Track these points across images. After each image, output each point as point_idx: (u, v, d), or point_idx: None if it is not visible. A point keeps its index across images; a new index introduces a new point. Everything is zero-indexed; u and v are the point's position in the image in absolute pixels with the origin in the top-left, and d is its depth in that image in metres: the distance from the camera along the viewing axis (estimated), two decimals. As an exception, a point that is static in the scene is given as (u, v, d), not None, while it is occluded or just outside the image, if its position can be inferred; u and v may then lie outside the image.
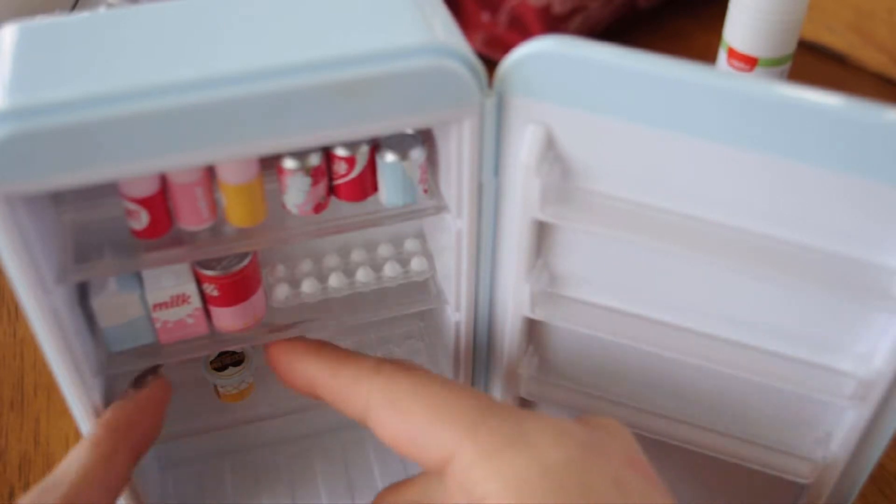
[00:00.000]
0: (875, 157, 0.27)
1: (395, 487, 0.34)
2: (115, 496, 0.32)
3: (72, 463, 0.31)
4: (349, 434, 0.46)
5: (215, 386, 0.38)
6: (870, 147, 0.27)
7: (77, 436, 0.47)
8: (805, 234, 0.29)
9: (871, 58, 0.69)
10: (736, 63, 0.49)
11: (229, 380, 0.37)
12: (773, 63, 0.49)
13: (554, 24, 0.66)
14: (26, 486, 0.45)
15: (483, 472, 0.27)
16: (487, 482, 0.27)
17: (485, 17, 0.68)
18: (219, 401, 0.39)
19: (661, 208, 0.31)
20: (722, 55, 0.50)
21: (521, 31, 0.67)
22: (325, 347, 0.34)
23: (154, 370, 0.35)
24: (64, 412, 0.48)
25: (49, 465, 0.46)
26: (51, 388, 0.49)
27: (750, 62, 0.49)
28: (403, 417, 0.30)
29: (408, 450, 0.30)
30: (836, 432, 0.33)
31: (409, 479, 0.33)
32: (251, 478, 0.44)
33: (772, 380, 0.32)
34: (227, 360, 0.37)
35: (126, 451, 0.33)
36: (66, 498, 0.30)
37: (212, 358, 0.38)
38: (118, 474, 0.32)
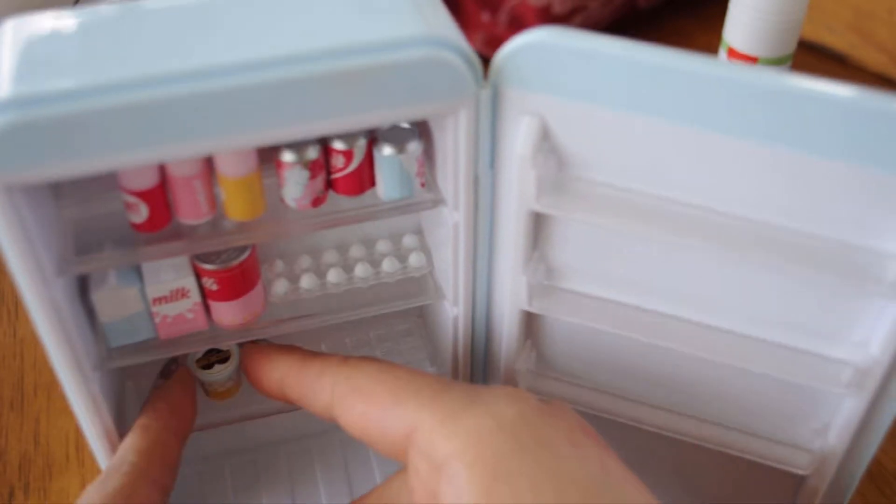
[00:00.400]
0: (871, 145, 0.27)
1: (360, 499, 0.35)
2: (174, 476, 0.34)
3: (127, 449, 0.33)
4: (347, 434, 0.46)
5: (202, 384, 0.38)
6: (867, 135, 0.27)
7: (77, 435, 0.47)
8: (801, 222, 0.29)
9: (871, 58, 0.69)
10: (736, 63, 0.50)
11: (216, 377, 0.38)
12: (773, 63, 0.49)
13: (554, 23, 0.67)
14: (26, 487, 0.45)
15: (443, 434, 0.28)
16: (447, 443, 0.28)
17: (485, 16, 0.68)
18: (207, 399, 0.39)
19: (657, 198, 0.31)
20: (722, 55, 0.50)
21: (521, 31, 0.67)
22: (293, 349, 0.35)
23: (174, 360, 0.37)
24: (64, 412, 0.48)
25: (49, 465, 0.46)
26: (51, 388, 0.49)
27: (750, 62, 0.49)
28: (367, 400, 0.31)
29: (373, 433, 0.30)
30: (834, 422, 0.33)
31: (374, 488, 0.34)
32: (251, 478, 0.44)
33: (768, 369, 0.32)
34: (214, 359, 0.38)
35: (174, 433, 0.34)
36: (129, 477, 0.31)
37: (198, 356, 0.38)
38: (172, 454, 0.34)
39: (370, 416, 0.30)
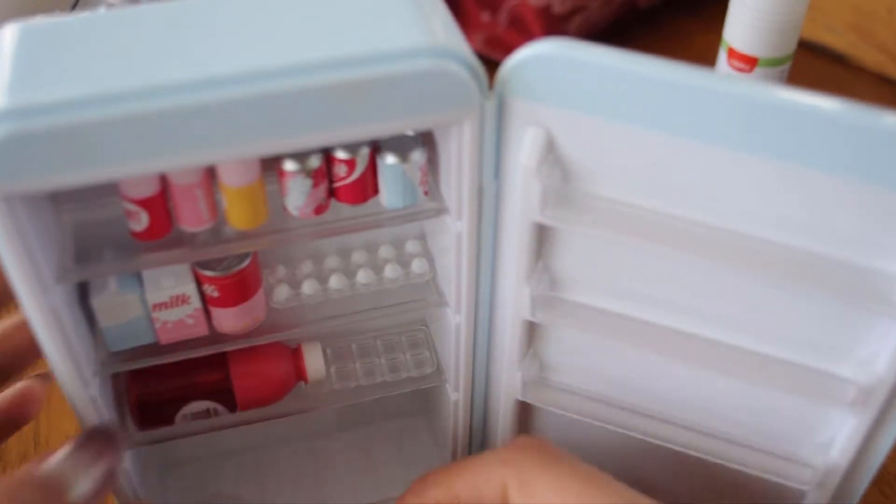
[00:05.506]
0: (876, 162, 0.27)
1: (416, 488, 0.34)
2: None
3: None
4: (349, 434, 0.46)
5: None
6: (871, 151, 0.27)
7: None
8: (806, 239, 0.29)
9: (871, 58, 0.69)
10: (736, 63, 0.49)
11: None
12: (773, 63, 0.49)
13: (554, 24, 0.66)
14: (25, 486, 0.45)
15: None
16: None
17: (485, 17, 0.68)
18: None
19: (661, 212, 0.31)
20: (722, 55, 0.50)
21: (521, 31, 0.67)
22: None
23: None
24: (64, 412, 0.48)
25: (48, 465, 0.46)
26: (51, 388, 0.49)
27: (750, 62, 0.49)
28: None
29: None
30: (838, 438, 0.33)
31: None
32: (251, 478, 0.45)
33: (773, 385, 0.32)
34: None
35: None
36: None
37: None
38: None
39: None
